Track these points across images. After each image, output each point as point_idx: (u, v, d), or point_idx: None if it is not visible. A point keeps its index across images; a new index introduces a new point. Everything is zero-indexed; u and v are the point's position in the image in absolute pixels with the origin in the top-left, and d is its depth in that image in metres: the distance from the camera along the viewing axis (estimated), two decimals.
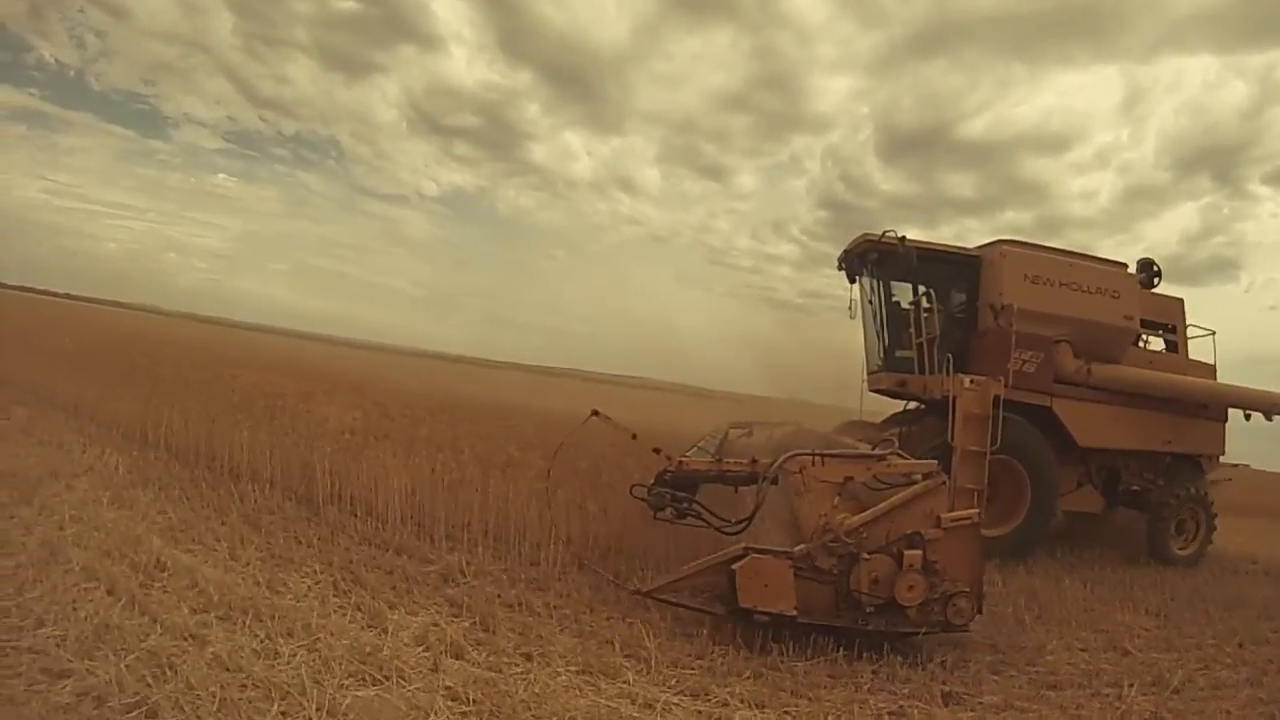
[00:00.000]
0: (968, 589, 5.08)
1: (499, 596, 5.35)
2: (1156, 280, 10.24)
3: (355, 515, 6.86)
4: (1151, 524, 9.51)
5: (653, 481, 5.70)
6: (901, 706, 4.31)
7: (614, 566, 6.07)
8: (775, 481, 5.29)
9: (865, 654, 4.93)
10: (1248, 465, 12.28)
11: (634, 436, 5.91)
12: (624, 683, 4.17)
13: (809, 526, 5.12)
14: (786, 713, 4.09)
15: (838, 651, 4.89)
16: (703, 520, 5.56)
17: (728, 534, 5.42)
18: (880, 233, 9.03)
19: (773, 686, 4.40)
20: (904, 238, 8.86)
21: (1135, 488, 9.76)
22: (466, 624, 4.73)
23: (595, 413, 5.83)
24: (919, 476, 5.25)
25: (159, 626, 4.03)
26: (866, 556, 4.95)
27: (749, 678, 4.45)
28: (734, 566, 4.85)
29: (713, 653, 4.74)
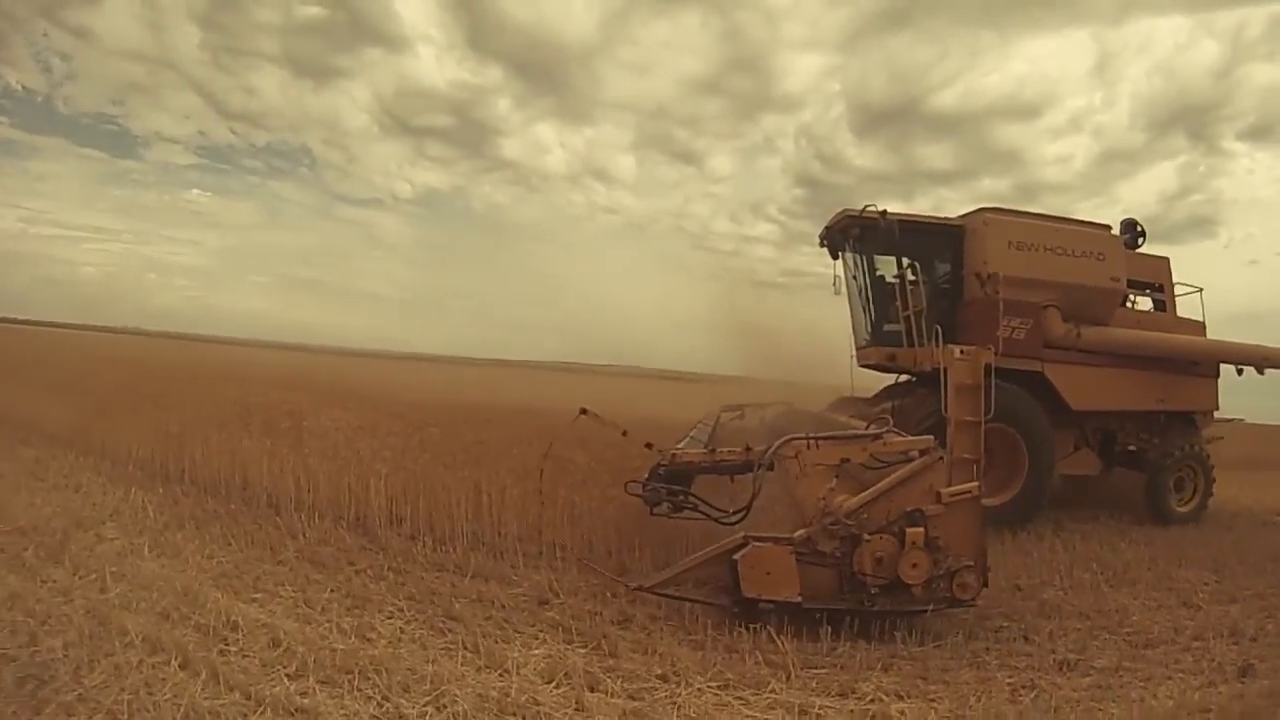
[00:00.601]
0: (972, 563, 5.01)
1: (601, 614, 5.08)
2: (1141, 240, 10.20)
3: (415, 539, 6.46)
4: (1150, 483, 9.52)
5: (646, 477, 5.61)
6: (1030, 680, 4.35)
7: (615, 563, 6.00)
8: (771, 468, 5.22)
9: (985, 635, 5.06)
10: (1242, 419, 12.31)
11: (624, 433, 5.82)
12: (771, 692, 4.02)
13: (808, 510, 5.06)
14: (930, 700, 4.04)
15: (958, 636, 4.94)
16: (700, 513, 5.49)
17: (727, 524, 5.34)
18: (861, 207, 8.95)
19: (907, 676, 4.37)
20: (885, 211, 8.78)
21: (1131, 448, 9.76)
22: (584, 650, 4.48)
23: (584, 411, 5.74)
24: (916, 453, 5.19)
25: (258, 704, 3.50)
26: (868, 537, 4.89)
27: (882, 670, 4.42)
28: (735, 556, 4.79)
29: (837, 649, 4.65)
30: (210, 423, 10.08)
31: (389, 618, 4.79)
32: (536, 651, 4.37)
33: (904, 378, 9.98)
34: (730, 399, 11.86)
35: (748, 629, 4.75)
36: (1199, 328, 10.24)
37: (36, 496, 7.22)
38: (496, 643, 4.45)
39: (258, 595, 5.04)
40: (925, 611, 4.99)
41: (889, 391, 10.20)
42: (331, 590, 5.18)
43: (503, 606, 5.10)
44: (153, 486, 7.86)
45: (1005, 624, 5.26)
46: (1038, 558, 6.97)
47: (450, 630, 4.64)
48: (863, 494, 4.99)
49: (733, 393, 14.01)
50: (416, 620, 4.78)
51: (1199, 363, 9.90)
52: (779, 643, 4.56)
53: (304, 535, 6.38)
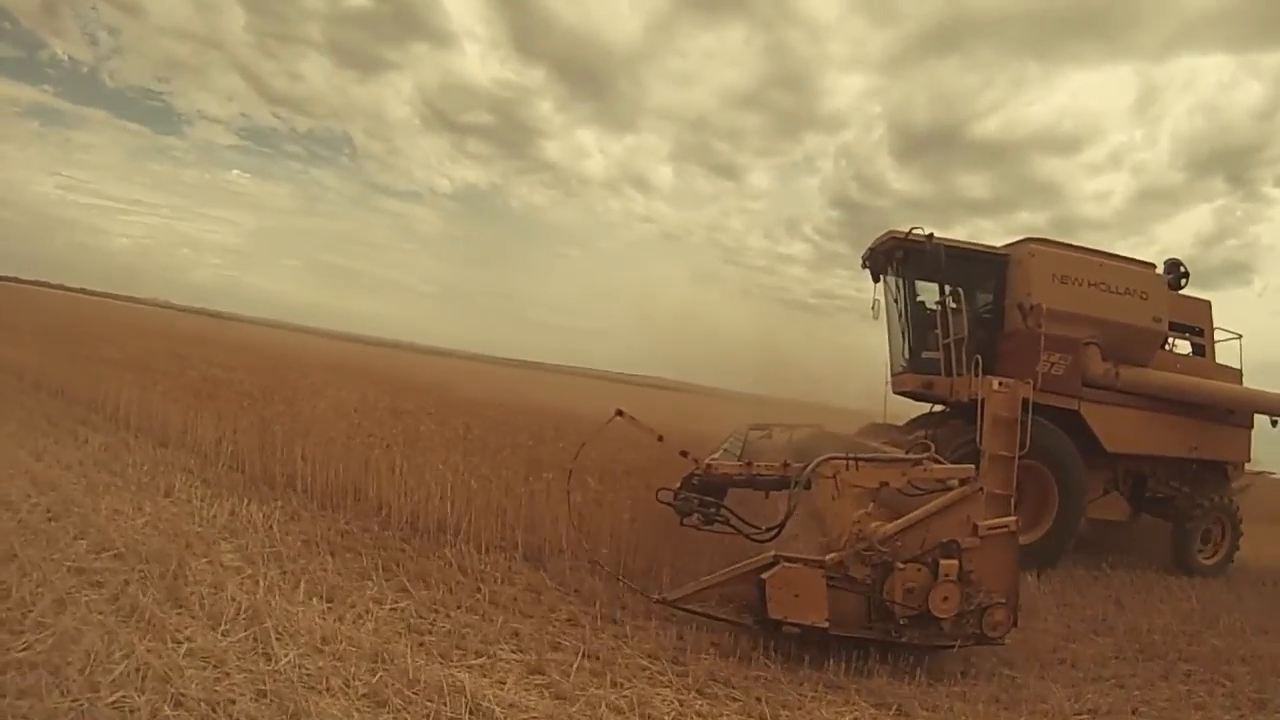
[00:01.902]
0: (1004, 600, 4.87)
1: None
2: (1184, 281, 9.99)
3: (597, 573, 5.65)
4: (1177, 532, 9.29)
5: (679, 485, 5.47)
6: None
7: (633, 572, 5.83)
8: (808, 486, 5.08)
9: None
10: (1271, 473, 12.06)
11: (660, 438, 5.68)
12: None
13: (841, 533, 4.91)
14: None
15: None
16: (731, 526, 5.34)
17: (758, 541, 5.19)
18: (907, 229, 8.80)
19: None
20: (931, 234, 8.63)
21: (1161, 495, 9.53)
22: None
23: (620, 413, 5.61)
24: (955, 482, 5.05)
25: None
26: (901, 565, 4.73)
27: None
28: (764, 576, 4.64)
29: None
30: (293, 418, 9.05)
31: (657, 688, 4.11)
32: None
33: (938, 407, 9.80)
34: (759, 418, 11.67)
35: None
36: (1236, 375, 10.01)
37: (120, 501, 6.07)
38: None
39: (476, 661, 4.09)
40: (952, 648, 4.84)
41: (922, 420, 10.03)
42: (556, 649, 4.44)
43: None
44: (259, 494, 6.96)
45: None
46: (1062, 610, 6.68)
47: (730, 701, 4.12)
48: (899, 520, 4.83)
49: (759, 411, 13.80)
50: (683, 687, 4.17)
51: (1234, 412, 9.67)
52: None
53: (479, 572, 5.56)
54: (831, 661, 4.67)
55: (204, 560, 4.95)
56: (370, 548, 5.78)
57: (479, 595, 5.11)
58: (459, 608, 4.90)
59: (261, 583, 4.70)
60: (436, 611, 4.79)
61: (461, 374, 34.49)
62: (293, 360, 24.08)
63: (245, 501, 6.51)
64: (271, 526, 5.91)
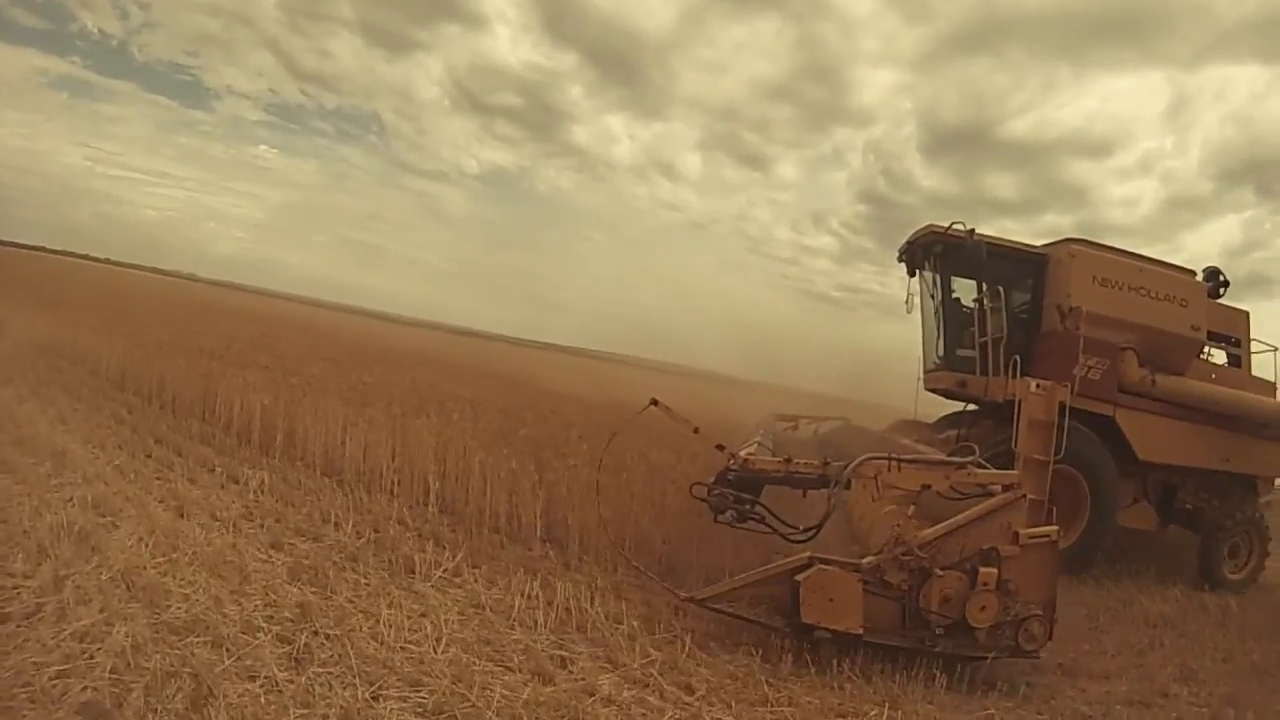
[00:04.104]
0: (1041, 612, 4.71)
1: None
2: (1223, 290, 9.77)
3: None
4: (1205, 545, 9.06)
5: (713, 480, 5.29)
6: None
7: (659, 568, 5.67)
8: (848, 486, 4.90)
9: None
10: None
11: (696, 430, 5.49)
12: None
13: (878, 537, 4.74)
14: None
15: None
16: (768, 526, 5.16)
17: (794, 541, 5.02)
18: (947, 224, 8.60)
19: None
20: (972, 230, 8.41)
21: (1189, 506, 9.33)
22: None
23: (654, 402, 5.42)
24: (998, 488, 4.87)
25: None
26: (939, 572, 4.57)
27: None
28: (798, 578, 4.47)
29: None
30: (401, 414, 8.30)
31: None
32: None
33: (969, 406, 9.62)
34: (775, 406, 11.55)
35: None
36: (1270, 389, 9.77)
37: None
38: None
39: None
40: (986, 659, 4.68)
41: (952, 419, 9.85)
42: None
43: None
44: (384, 508, 6.29)
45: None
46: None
47: None
48: (940, 525, 4.66)
49: (778, 401, 13.64)
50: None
51: (1268, 425, 9.45)
52: None
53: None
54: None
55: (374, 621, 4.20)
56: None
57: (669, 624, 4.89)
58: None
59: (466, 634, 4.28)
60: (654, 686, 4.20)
61: (516, 359, 34.21)
62: (364, 347, 23.30)
63: (385, 520, 5.93)
64: (437, 560, 5.26)
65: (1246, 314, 9.96)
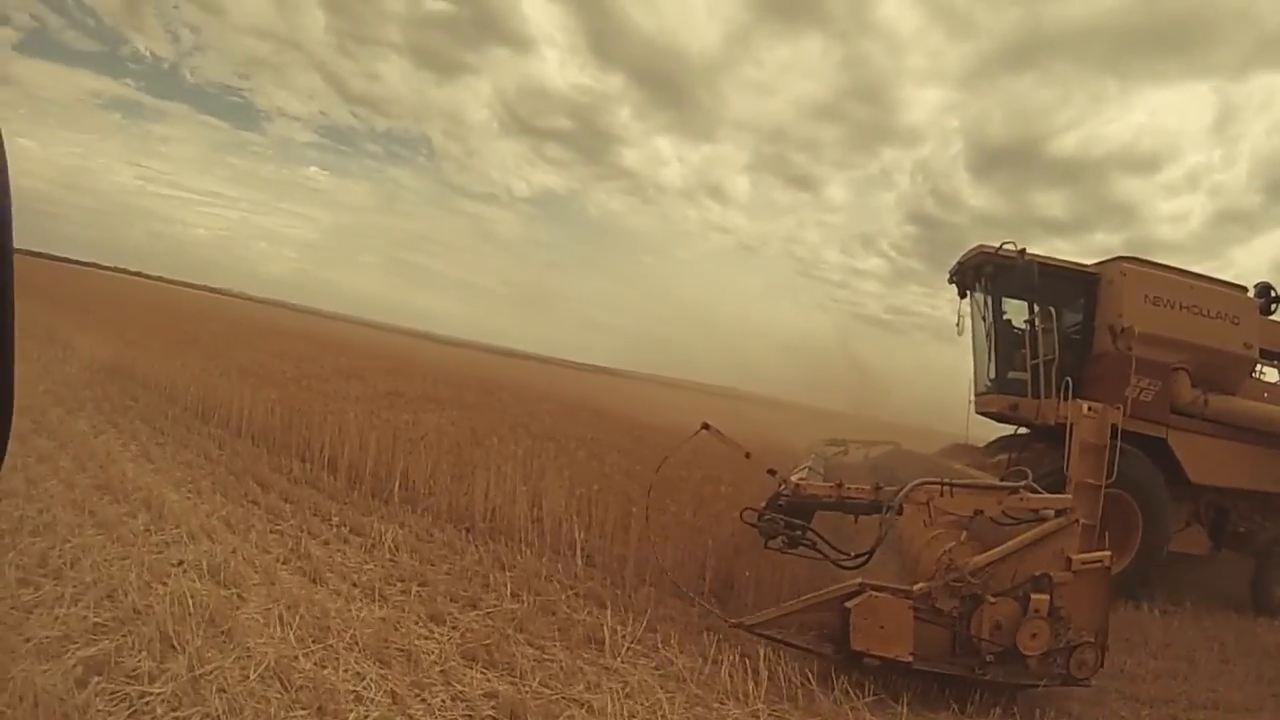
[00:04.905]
0: (1093, 639, 4.65)
1: None
2: (1275, 306, 9.54)
3: None
4: (1259, 569, 8.84)
5: (764, 506, 5.33)
6: None
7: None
8: (900, 511, 4.91)
9: None
10: None
11: (748, 455, 5.54)
12: None
13: (930, 563, 4.73)
14: None
15: None
16: (818, 552, 5.17)
17: (845, 568, 5.02)
18: (998, 244, 8.54)
19: None
20: (1024, 250, 8.35)
21: (1242, 530, 9.10)
22: None
23: (705, 426, 5.48)
24: (1050, 513, 4.84)
25: None
26: (991, 599, 4.54)
27: None
28: (849, 604, 4.47)
29: None
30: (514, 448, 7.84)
31: None
32: None
33: (1021, 430, 9.48)
34: (825, 431, 11.49)
35: None
36: None
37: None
38: None
39: None
40: (1038, 686, 4.64)
41: (1003, 443, 9.71)
42: None
43: None
44: (525, 560, 5.93)
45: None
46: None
47: None
48: (991, 551, 4.64)
49: (827, 425, 13.56)
50: None
51: None
52: None
53: None
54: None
55: None
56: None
57: None
58: None
59: None
60: None
61: (585, 385, 33.88)
62: (450, 374, 22.79)
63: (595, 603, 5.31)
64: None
65: None
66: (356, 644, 3.99)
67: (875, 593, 4.50)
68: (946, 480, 4.94)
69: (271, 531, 5.75)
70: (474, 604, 4.94)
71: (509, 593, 5.16)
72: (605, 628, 4.71)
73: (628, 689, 4.03)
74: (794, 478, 5.47)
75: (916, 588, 4.57)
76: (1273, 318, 9.50)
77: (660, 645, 4.69)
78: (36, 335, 14.95)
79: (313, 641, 3.95)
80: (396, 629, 4.33)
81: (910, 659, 4.47)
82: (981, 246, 8.87)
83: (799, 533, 5.13)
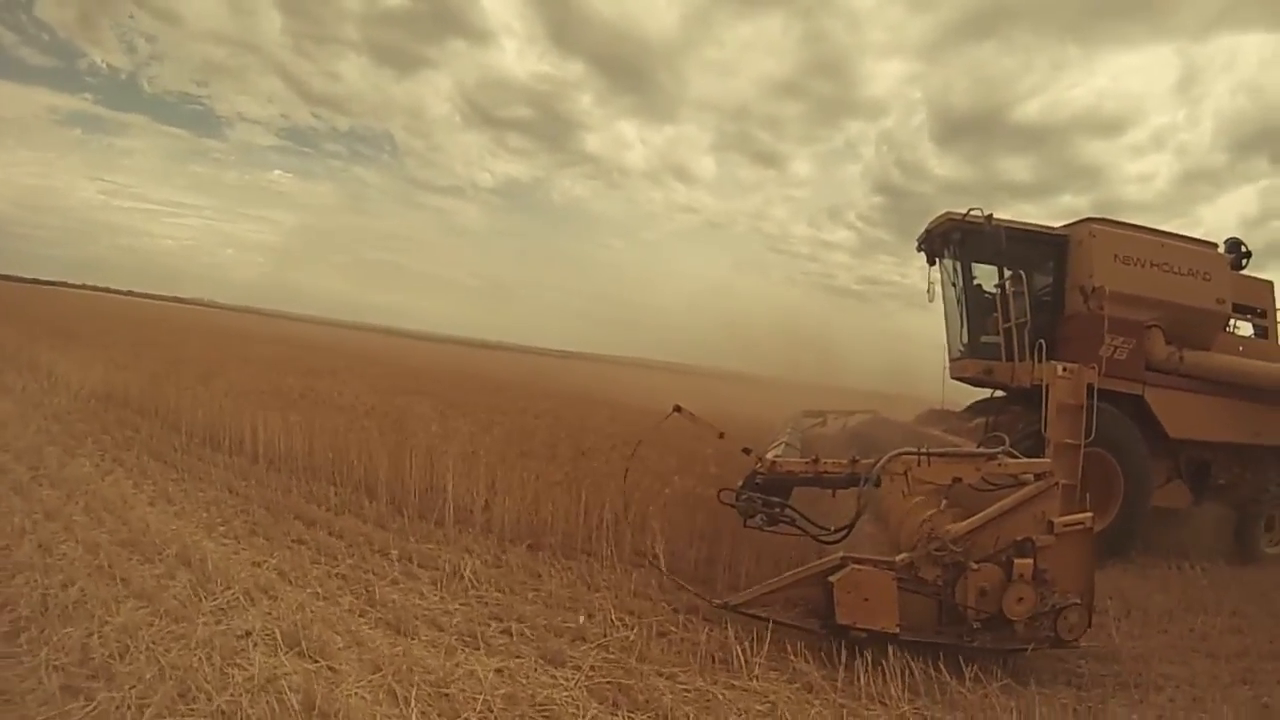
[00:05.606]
0: (1079, 600, 4.63)
1: None
2: (1245, 261, 9.61)
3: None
4: (1241, 520, 8.97)
5: (740, 485, 5.26)
6: None
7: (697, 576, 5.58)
8: (878, 484, 4.85)
9: None
10: None
11: (721, 435, 5.47)
12: None
13: (911, 533, 4.69)
14: None
15: None
16: (798, 528, 5.12)
17: (826, 542, 4.98)
18: (964, 210, 8.51)
19: None
20: (990, 215, 8.33)
21: (1223, 482, 9.20)
22: None
23: (677, 408, 5.40)
24: (1030, 477, 4.81)
25: None
26: (974, 566, 4.50)
27: None
28: (831, 579, 4.43)
29: None
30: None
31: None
32: None
33: (997, 393, 9.53)
34: (801, 404, 11.46)
35: None
36: None
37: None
38: None
39: None
40: (1025, 650, 4.62)
41: (980, 407, 9.77)
42: None
43: None
44: (603, 577, 5.58)
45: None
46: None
47: None
48: (973, 518, 4.60)
49: (803, 398, 13.50)
50: None
51: None
52: None
53: None
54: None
55: None
56: None
57: None
58: None
59: None
60: None
61: (575, 374, 33.51)
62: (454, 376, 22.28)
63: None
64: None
65: (1270, 284, 9.81)
66: (490, 710, 3.49)
67: (858, 565, 4.46)
68: (923, 449, 4.89)
69: (331, 576, 5.12)
70: (581, 636, 4.52)
71: (612, 618, 4.75)
72: (732, 646, 4.40)
73: (775, 710, 3.84)
74: (769, 454, 5.40)
75: (899, 558, 4.53)
76: (1244, 272, 9.58)
77: (790, 656, 4.49)
78: (18, 364, 14.10)
79: (439, 716, 3.43)
80: (516, 680, 3.84)
81: (897, 630, 4.43)
82: (948, 213, 8.84)
83: (777, 510, 5.08)
